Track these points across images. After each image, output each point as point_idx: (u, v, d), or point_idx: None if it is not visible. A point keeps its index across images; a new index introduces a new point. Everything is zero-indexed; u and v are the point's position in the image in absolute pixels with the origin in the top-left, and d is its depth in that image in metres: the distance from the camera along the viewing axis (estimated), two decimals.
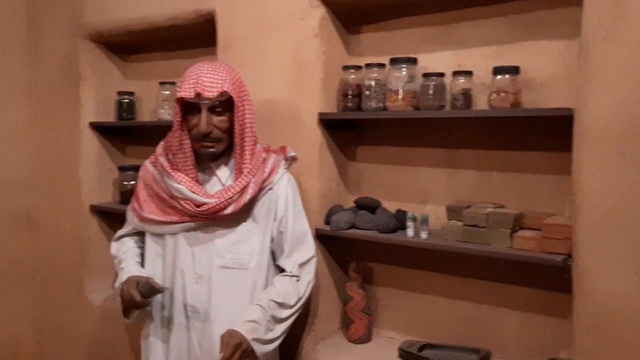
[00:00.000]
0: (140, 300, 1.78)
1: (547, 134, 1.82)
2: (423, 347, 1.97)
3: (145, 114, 2.93)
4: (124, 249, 2.03)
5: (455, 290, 2.05)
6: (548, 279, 1.81)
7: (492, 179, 1.96)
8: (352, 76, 2.05)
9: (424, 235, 1.87)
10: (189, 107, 1.78)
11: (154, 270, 1.91)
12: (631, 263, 1.48)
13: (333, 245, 2.16)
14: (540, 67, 1.82)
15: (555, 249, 1.65)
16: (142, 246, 2.02)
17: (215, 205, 1.77)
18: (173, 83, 2.60)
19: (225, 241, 1.83)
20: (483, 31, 1.93)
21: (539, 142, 1.85)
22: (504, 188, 1.94)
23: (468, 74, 1.86)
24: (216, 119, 1.78)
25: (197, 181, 1.83)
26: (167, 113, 2.61)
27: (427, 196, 2.10)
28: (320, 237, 2.09)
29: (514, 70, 1.76)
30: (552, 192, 1.84)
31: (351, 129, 2.23)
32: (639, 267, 1.47)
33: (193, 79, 1.75)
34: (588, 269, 1.54)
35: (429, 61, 2.00)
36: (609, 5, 1.49)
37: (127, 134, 3.02)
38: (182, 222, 1.84)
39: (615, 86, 1.49)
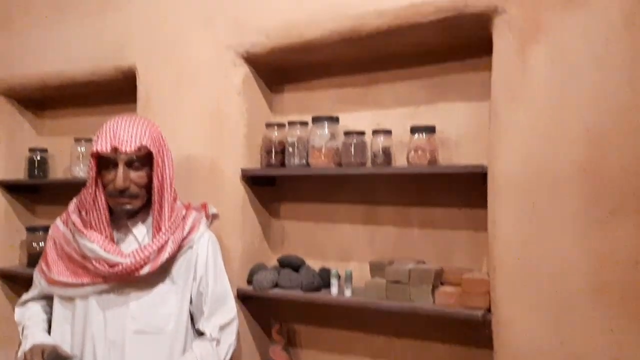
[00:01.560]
0: None
1: (463, 190, 1.89)
2: None
3: (58, 172, 2.80)
4: (29, 314, 1.87)
5: (379, 349, 2.02)
6: (470, 335, 1.83)
7: (413, 236, 1.99)
8: (275, 133, 2.06)
9: (347, 292, 1.85)
10: (105, 162, 1.71)
11: (61, 337, 1.77)
12: (546, 314, 1.53)
13: (255, 305, 2.10)
14: (454, 127, 1.91)
15: (474, 303, 1.67)
16: (49, 311, 1.88)
17: (130, 265, 1.67)
18: (89, 140, 2.51)
19: (140, 304, 1.73)
20: (400, 92, 2.02)
21: (457, 198, 1.92)
22: (424, 244, 1.97)
23: (387, 132, 1.91)
24: (134, 174, 1.72)
25: (112, 240, 1.74)
26: (82, 171, 2.51)
27: (350, 253, 2.10)
28: (242, 298, 2.03)
29: (430, 130, 1.83)
30: (470, 247, 1.89)
31: (274, 186, 2.22)
32: (553, 319, 1.52)
33: (110, 133, 1.69)
34: (507, 322, 1.57)
35: (349, 120, 2.05)
36: (514, 70, 1.60)
37: (38, 192, 2.88)
38: (94, 284, 1.73)
39: (522, 143, 1.58)
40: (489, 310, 1.65)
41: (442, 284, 1.81)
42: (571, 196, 1.52)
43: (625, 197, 1.47)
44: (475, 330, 1.71)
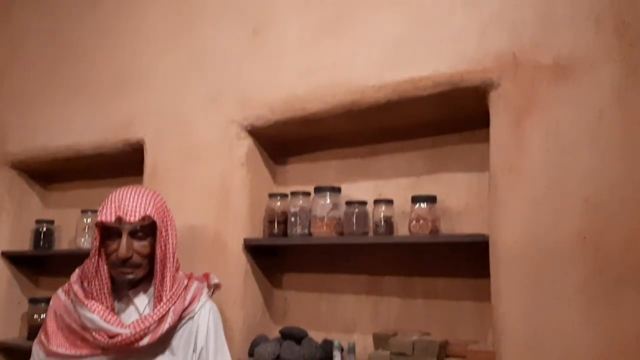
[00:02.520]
0: None
1: (466, 260, 1.89)
2: None
3: (64, 243, 2.82)
4: None
5: None
6: None
7: (417, 306, 1.97)
8: (278, 203, 2.09)
9: None
10: (109, 232, 1.72)
11: None
12: None
13: None
14: (455, 197, 1.93)
15: None
16: None
17: (130, 336, 1.65)
18: (95, 211, 2.53)
19: None
20: (401, 163, 2.06)
21: (460, 268, 1.91)
22: (428, 315, 1.95)
23: (389, 202, 1.94)
24: (137, 244, 1.73)
25: (112, 310, 1.73)
26: (87, 242, 2.54)
27: (353, 325, 2.07)
28: None
29: (431, 200, 1.85)
30: (475, 318, 1.87)
31: (277, 256, 2.22)
32: None
33: (115, 204, 1.72)
34: None
35: (351, 190, 2.08)
36: (511, 142, 1.64)
37: (42, 264, 2.88)
38: (93, 356, 1.70)
39: (522, 213, 1.59)
40: None
41: (447, 356, 1.78)
42: (573, 267, 1.51)
43: (628, 268, 1.46)
44: None
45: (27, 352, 1.91)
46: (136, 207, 1.71)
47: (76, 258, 2.39)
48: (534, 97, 1.62)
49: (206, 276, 1.92)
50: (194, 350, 1.77)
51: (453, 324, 1.90)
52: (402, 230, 1.96)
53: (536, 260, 1.55)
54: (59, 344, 1.75)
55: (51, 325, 1.81)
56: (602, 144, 1.52)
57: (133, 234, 1.72)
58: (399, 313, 2.00)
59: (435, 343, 1.74)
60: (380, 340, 1.85)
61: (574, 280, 1.50)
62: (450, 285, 1.92)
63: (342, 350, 1.87)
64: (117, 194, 1.75)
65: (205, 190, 2.15)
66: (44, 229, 2.74)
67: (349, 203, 1.97)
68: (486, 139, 1.73)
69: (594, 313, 1.47)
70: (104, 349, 1.69)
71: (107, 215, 1.70)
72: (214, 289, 1.90)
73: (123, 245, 1.69)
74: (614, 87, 1.53)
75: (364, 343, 1.98)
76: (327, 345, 1.95)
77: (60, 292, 1.86)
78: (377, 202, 1.95)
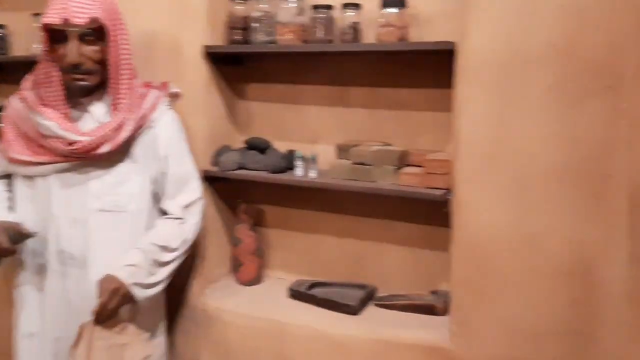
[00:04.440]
0: (8, 247, 1.64)
1: (433, 71, 1.83)
2: (312, 286, 1.98)
3: (19, 49, 2.67)
4: None
5: (343, 229, 2.06)
6: (431, 214, 1.85)
7: (381, 117, 1.96)
8: (240, 7, 1.95)
9: (312, 174, 1.85)
10: (57, 36, 1.62)
11: (25, 215, 1.77)
12: (505, 196, 1.53)
13: (222, 187, 2.09)
14: (428, 2, 1.81)
15: (436, 183, 1.68)
16: (11, 190, 1.86)
17: (88, 144, 1.64)
18: None
19: (101, 182, 1.72)
20: None
21: (426, 79, 1.86)
22: (392, 126, 1.95)
23: (357, 6, 1.82)
24: (87, 49, 1.64)
25: (68, 118, 1.69)
26: None
27: (318, 136, 2.07)
28: (209, 179, 2.02)
29: (401, 4, 1.73)
30: (437, 129, 1.87)
31: (240, 65, 2.14)
32: (512, 200, 1.53)
33: (60, 4, 1.59)
34: (466, 202, 1.58)
35: None
36: None
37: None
38: (54, 163, 1.70)
39: (497, 20, 1.49)
40: (449, 190, 1.66)
41: (407, 165, 1.81)
42: (542, 75, 1.47)
43: (596, 77, 1.42)
44: (437, 211, 1.72)
45: None
46: (83, 7, 1.59)
47: (33, 64, 2.29)
48: None
49: (164, 85, 1.86)
50: (157, 159, 1.77)
51: (416, 134, 1.91)
52: (370, 38, 1.86)
53: (504, 68, 1.50)
54: (20, 151, 1.75)
55: (9, 132, 1.79)
56: None
57: (82, 38, 1.63)
58: (363, 124, 1.99)
59: (395, 152, 1.76)
60: (342, 151, 1.86)
61: (541, 89, 1.47)
62: (416, 95, 1.89)
63: (304, 159, 1.88)
64: None
65: None
66: None
67: (315, 7, 1.84)
68: None
69: (557, 122, 1.47)
70: (64, 156, 1.69)
71: (52, 16, 1.59)
72: (174, 98, 1.85)
73: (72, 50, 1.61)
74: None
75: (328, 154, 2.00)
76: (291, 155, 1.97)
77: (12, 99, 1.81)
78: (345, 6, 1.82)
